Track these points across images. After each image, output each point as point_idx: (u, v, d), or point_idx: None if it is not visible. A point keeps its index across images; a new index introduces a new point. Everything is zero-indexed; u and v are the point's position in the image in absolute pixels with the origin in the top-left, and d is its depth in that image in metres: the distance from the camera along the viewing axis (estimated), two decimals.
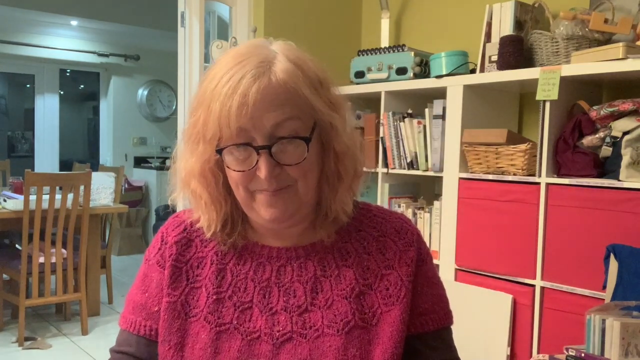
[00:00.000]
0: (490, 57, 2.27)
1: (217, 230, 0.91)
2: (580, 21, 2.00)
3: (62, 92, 6.79)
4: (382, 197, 2.58)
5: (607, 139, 1.87)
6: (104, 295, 4.26)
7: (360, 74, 2.70)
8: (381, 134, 2.57)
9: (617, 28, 1.93)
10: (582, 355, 1.45)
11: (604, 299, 1.72)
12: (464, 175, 2.25)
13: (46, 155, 6.55)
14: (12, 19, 5.53)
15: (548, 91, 1.96)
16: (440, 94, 2.36)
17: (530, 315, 2.03)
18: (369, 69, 2.66)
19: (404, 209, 2.53)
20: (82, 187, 3.58)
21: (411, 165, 2.49)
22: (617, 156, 1.84)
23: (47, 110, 6.57)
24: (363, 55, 2.72)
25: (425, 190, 2.70)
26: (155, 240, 0.98)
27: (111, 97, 6.71)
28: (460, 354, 0.95)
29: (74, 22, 5.77)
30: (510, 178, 2.11)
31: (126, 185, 6.15)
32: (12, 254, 3.68)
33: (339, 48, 3.05)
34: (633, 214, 1.77)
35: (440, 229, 2.35)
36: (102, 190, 4.01)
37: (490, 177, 2.16)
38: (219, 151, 0.83)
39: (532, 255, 2.02)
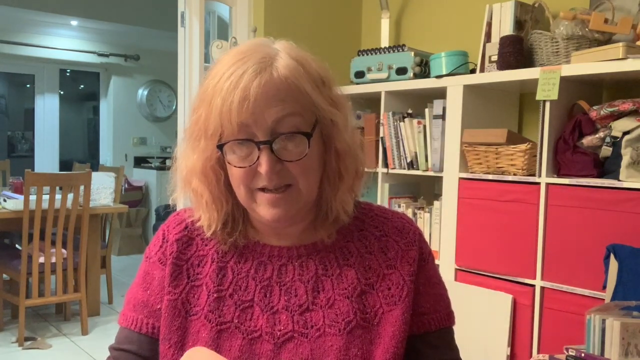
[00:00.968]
0: (490, 57, 2.27)
1: (217, 229, 0.91)
2: (580, 21, 2.00)
3: (62, 92, 6.79)
4: (382, 197, 2.58)
5: (607, 139, 1.87)
6: (104, 295, 4.26)
7: (360, 74, 2.70)
8: (381, 134, 2.57)
9: (617, 28, 1.93)
10: (582, 355, 1.45)
11: (604, 299, 1.72)
12: (464, 175, 2.25)
13: (46, 155, 6.55)
14: (12, 19, 5.53)
15: (548, 91, 1.96)
16: (440, 94, 2.36)
17: (530, 315, 2.03)
18: (369, 69, 2.66)
19: (404, 209, 2.53)
20: (82, 187, 3.59)
21: (411, 165, 2.49)
22: (617, 156, 1.84)
23: (47, 110, 6.57)
24: (363, 55, 2.72)
25: (425, 190, 2.70)
26: (156, 238, 0.97)
27: (111, 97, 6.71)
28: (460, 353, 0.95)
29: (74, 22, 5.78)
30: (510, 178, 2.11)
31: (126, 185, 6.15)
32: (12, 254, 3.68)
33: (339, 48, 3.05)
34: (633, 214, 1.77)
35: (440, 229, 2.35)
36: (102, 190, 4.01)
37: (490, 177, 2.16)
38: (220, 147, 0.83)
39: (532, 255, 2.02)
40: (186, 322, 0.90)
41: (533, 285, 2.03)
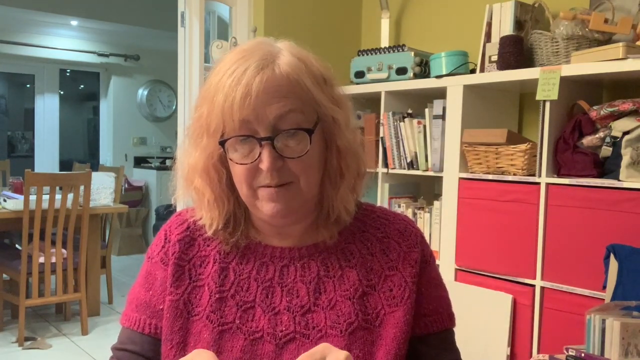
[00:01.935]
0: (490, 57, 2.27)
1: (219, 228, 0.91)
2: (580, 21, 2.00)
3: (62, 92, 6.79)
4: (382, 197, 2.58)
5: (607, 139, 1.87)
6: (104, 295, 4.26)
7: (360, 74, 2.70)
8: (381, 134, 2.57)
9: (617, 28, 1.93)
10: (582, 355, 1.45)
11: (604, 299, 1.72)
12: (464, 175, 2.25)
13: (46, 155, 6.55)
14: (12, 19, 5.53)
15: (548, 91, 1.96)
16: (440, 94, 2.36)
17: (530, 315, 2.03)
18: (369, 69, 2.66)
19: (404, 209, 2.53)
20: (82, 187, 3.59)
21: (411, 165, 2.49)
22: (617, 156, 1.84)
23: (47, 110, 6.57)
24: (363, 55, 2.72)
25: (425, 190, 2.70)
26: (158, 238, 0.97)
27: (111, 97, 6.71)
28: (460, 355, 0.95)
29: (74, 22, 5.78)
30: (510, 178, 2.11)
31: (126, 185, 6.15)
32: (12, 254, 3.68)
33: (339, 48, 3.05)
34: (633, 214, 1.77)
35: (440, 229, 2.35)
36: (102, 190, 4.01)
37: (490, 177, 2.16)
38: (222, 144, 0.83)
39: (532, 255, 2.02)
40: (188, 323, 0.90)
41: (533, 285, 2.03)
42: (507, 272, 2.11)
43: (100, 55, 6.44)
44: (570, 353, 1.48)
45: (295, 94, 0.81)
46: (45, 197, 3.41)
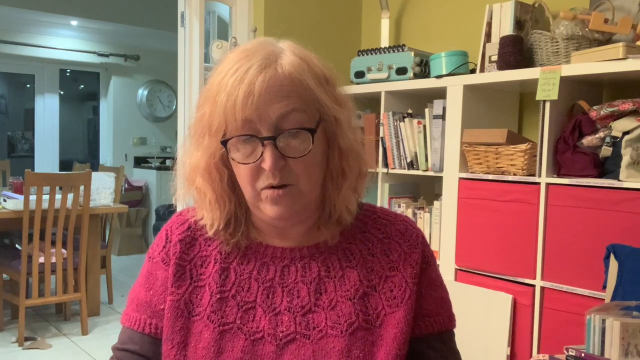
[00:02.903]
0: (490, 57, 2.27)
1: (220, 228, 0.91)
2: (580, 21, 2.00)
3: (62, 92, 6.79)
4: (382, 197, 2.58)
5: (607, 139, 1.87)
6: (104, 295, 4.27)
7: (360, 74, 2.70)
8: (381, 134, 2.57)
9: (617, 28, 1.93)
10: (582, 355, 1.45)
11: (604, 299, 1.72)
12: (464, 175, 2.25)
13: (46, 155, 6.55)
14: (12, 19, 5.53)
15: (548, 91, 1.96)
16: (440, 94, 2.36)
17: (530, 315, 2.03)
18: (369, 69, 2.66)
19: (404, 209, 2.53)
20: (82, 187, 3.59)
21: (411, 165, 2.49)
22: (617, 156, 1.84)
23: (47, 110, 6.57)
24: (363, 55, 2.72)
25: (425, 190, 2.70)
26: (159, 238, 0.97)
27: (111, 97, 6.71)
28: (461, 356, 0.95)
29: (74, 22, 5.77)
30: (510, 178, 2.11)
31: (126, 185, 6.15)
32: (12, 254, 3.68)
33: (339, 48, 3.05)
34: (633, 214, 1.77)
35: (440, 229, 2.35)
36: (102, 190, 4.01)
37: (490, 177, 2.16)
38: (224, 143, 0.83)
39: (532, 255, 2.02)
40: (189, 323, 0.90)
41: (533, 285, 2.03)
42: (507, 272, 2.11)
43: (100, 55, 6.44)
44: (570, 353, 1.48)
45: (297, 94, 0.81)
46: (45, 197, 3.41)
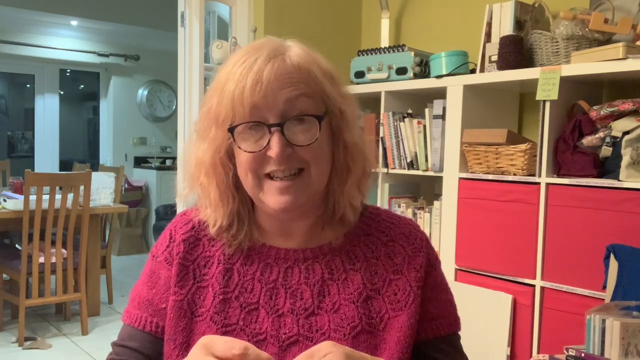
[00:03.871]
0: (490, 57, 2.27)
1: (222, 227, 0.90)
2: (580, 21, 2.00)
3: (62, 92, 6.79)
4: (382, 197, 2.58)
5: (607, 139, 1.87)
6: (104, 295, 4.26)
7: (360, 74, 2.70)
8: (381, 134, 2.57)
9: (617, 28, 1.93)
10: (582, 355, 1.45)
11: (604, 299, 1.72)
12: (464, 175, 2.25)
13: (46, 155, 6.55)
14: (12, 19, 5.53)
15: (548, 91, 1.96)
16: (440, 94, 2.36)
17: (530, 315, 2.03)
18: (369, 69, 2.66)
19: (404, 209, 2.53)
20: (82, 187, 3.59)
21: (411, 165, 2.49)
22: (617, 156, 1.84)
23: (47, 110, 6.57)
24: (363, 55, 2.72)
25: (425, 190, 2.70)
26: (162, 237, 0.97)
27: (111, 97, 6.71)
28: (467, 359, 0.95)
29: (74, 22, 5.77)
30: (510, 178, 2.11)
31: (126, 185, 6.15)
32: (12, 254, 3.68)
33: (339, 48, 3.05)
34: (633, 214, 1.77)
35: (440, 229, 2.35)
36: (102, 190, 4.01)
37: (490, 177, 2.16)
38: (232, 130, 0.83)
39: (532, 255, 2.02)
40: (192, 323, 0.90)
41: (533, 285, 2.03)
42: (507, 272, 2.11)
43: (100, 55, 6.44)
44: (570, 353, 1.48)
45: (305, 83, 0.82)
46: (45, 197, 3.41)
